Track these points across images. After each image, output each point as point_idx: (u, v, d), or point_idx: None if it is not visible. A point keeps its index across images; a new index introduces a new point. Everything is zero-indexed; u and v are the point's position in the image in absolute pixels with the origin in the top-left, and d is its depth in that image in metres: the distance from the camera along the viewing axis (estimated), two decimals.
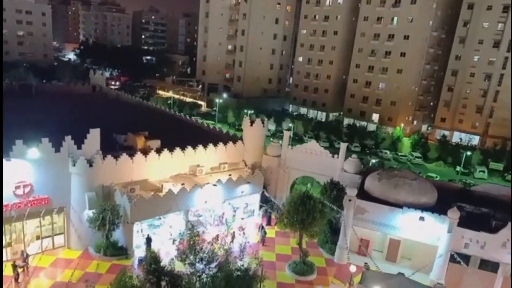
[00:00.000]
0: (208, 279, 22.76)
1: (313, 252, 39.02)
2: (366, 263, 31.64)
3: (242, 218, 44.29)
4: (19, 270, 30.38)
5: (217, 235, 29.22)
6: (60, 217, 35.34)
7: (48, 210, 33.95)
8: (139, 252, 34.89)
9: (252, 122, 47.22)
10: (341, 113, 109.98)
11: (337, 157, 44.95)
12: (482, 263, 35.65)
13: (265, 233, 40.40)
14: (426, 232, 35.61)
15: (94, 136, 34.28)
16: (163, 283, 22.26)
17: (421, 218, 35.06)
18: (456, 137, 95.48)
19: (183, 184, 38.60)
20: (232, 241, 36.12)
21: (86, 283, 24.09)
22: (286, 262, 37.28)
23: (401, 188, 37.39)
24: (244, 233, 36.26)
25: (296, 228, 35.08)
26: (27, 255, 31.79)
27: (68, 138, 33.18)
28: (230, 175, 42.60)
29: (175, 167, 41.67)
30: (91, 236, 34.13)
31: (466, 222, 34.61)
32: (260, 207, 46.37)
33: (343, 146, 44.55)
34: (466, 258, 34.67)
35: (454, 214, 34.12)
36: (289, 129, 53.61)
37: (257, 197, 45.83)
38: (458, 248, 34.62)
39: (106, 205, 33.77)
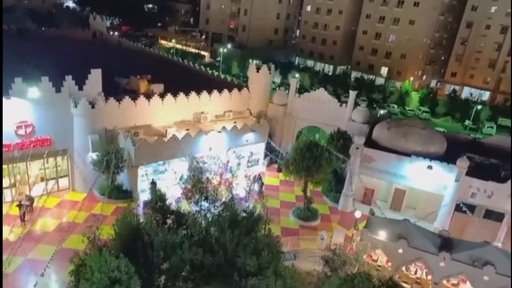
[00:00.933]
0: (214, 217, 22.51)
1: (318, 200, 38.98)
2: (371, 209, 31.47)
3: (247, 167, 43.94)
4: (25, 209, 30.47)
5: (222, 178, 28.87)
6: (64, 160, 35.05)
7: (52, 152, 33.56)
8: (144, 196, 34.83)
9: (258, 69, 45.61)
10: (349, 66, 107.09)
11: (345, 106, 43.79)
12: (486, 213, 35.66)
13: (262, 183, 39.58)
14: (433, 181, 35.22)
15: (95, 76, 33.12)
16: (169, 221, 22.01)
17: (429, 167, 34.51)
18: (466, 92, 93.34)
19: (187, 129, 37.84)
20: (235, 188, 35.91)
21: (93, 222, 23.74)
22: (290, 209, 37.34)
23: (410, 137, 36.58)
24: (249, 180, 35.98)
25: (302, 175, 34.73)
26: (32, 198, 31.77)
27: (68, 78, 32.07)
28: (235, 122, 41.74)
29: (179, 113, 40.75)
30: (96, 179, 33.91)
31: (475, 172, 34.09)
32: (265, 156, 45.94)
33: (352, 94, 43.21)
34: (471, 209, 34.49)
35: (463, 163, 33.50)
36: (296, 77, 51.87)
37: (262, 147, 45.26)
38: (465, 197, 34.34)
39: (110, 148, 33.27)
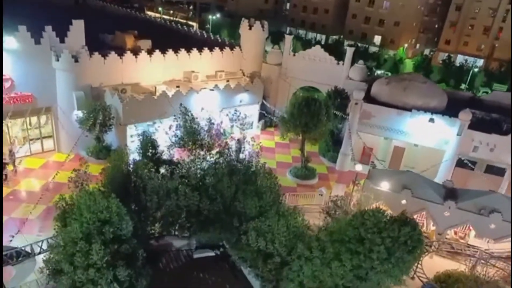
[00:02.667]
0: (210, 166, 21.07)
1: (315, 161, 37.72)
2: (372, 162, 30.34)
3: (241, 130, 42.30)
4: (8, 167, 28.72)
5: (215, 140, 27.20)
6: (48, 120, 33.07)
7: (34, 110, 31.55)
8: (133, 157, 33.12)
9: (250, 26, 43.47)
10: (341, 36, 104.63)
11: (342, 64, 42.14)
12: (487, 168, 34.93)
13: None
14: (434, 136, 34.08)
15: (77, 28, 30.85)
16: (162, 170, 20.52)
17: (431, 120, 33.32)
18: (460, 60, 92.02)
19: (178, 86, 35.95)
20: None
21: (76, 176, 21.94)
22: (286, 169, 36.12)
23: (410, 91, 35.22)
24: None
25: (299, 132, 33.33)
26: (14, 154, 29.90)
27: (48, 28, 29.77)
28: (228, 81, 39.93)
29: (168, 72, 38.73)
30: (82, 139, 32.07)
31: (476, 126, 33.09)
32: (259, 118, 44.43)
33: (349, 51, 41.54)
34: (472, 165, 33.62)
35: (465, 115, 32.37)
36: (290, 34, 49.76)
37: (256, 108, 43.65)
38: (466, 152, 33.36)
39: (96, 105, 31.34)
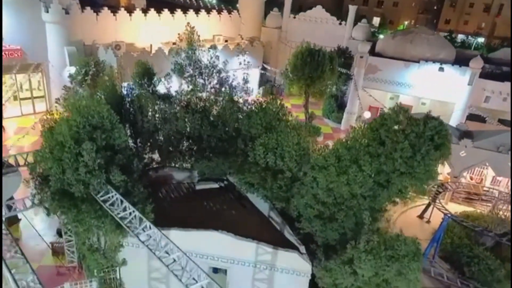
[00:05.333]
0: (211, 97, 19.56)
1: (319, 123, 36.34)
2: (381, 108, 28.89)
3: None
4: None
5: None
6: (40, 84, 31.58)
7: (24, 66, 29.96)
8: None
9: None
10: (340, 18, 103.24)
11: (345, 25, 40.72)
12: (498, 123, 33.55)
13: None
14: (444, 88, 32.62)
15: None
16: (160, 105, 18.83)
17: (441, 69, 31.89)
18: (460, 39, 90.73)
19: (174, 43, 34.37)
20: None
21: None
22: None
23: (417, 43, 33.77)
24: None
25: (303, 85, 31.85)
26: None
27: None
28: (226, 41, 38.45)
29: (163, 33, 37.12)
30: (76, 98, 30.44)
31: (487, 78, 31.77)
32: (260, 85, 42.99)
33: (351, 9, 40.07)
34: (482, 120, 32.08)
35: (476, 63, 31.00)
36: None
37: (256, 73, 42.13)
38: (478, 102, 31.96)
39: (90, 59, 29.77)
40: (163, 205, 15.94)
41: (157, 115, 17.73)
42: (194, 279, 9.73)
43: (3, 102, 29.74)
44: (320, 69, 30.68)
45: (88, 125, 13.15)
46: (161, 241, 10.76)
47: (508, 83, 30.85)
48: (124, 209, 11.64)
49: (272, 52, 43.77)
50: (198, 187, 18.17)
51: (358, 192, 13.84)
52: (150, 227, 11.07)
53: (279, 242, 14.59)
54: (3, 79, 29.79)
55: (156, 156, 18.61)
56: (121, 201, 11.80)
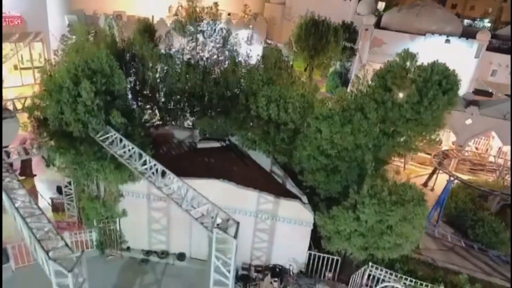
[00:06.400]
0: (214, 56, 19.25)
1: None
2: None
3: None
4: None
5: None
6: (39, 51, 31.17)
7: (24, 34, 29.54)
8: None
9: None
10: None
11: (350, 0, 40.07)
12: None
13: None
14: (450, 62, 31.74)
15: None
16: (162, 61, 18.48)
17: (447, 41, 31.33)
18: (467, 23, 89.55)
19: (175, 14, 33.91)
20: None
21: None
22: None
23: (423, 16, 33.14)
24: None
25: (307, 56, 31.44)
26: None
27: None
28: (229, 14, 37.91)
29: (164, 5, 36.77)
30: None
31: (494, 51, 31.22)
32: None
33: None
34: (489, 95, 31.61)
35: (483, 35, 30.44)
36: None
37: (259, 49, 41.57)
38: (485, 76, 31.48)
39: (91, 28, 29.33)
40: (163, 162, 15.68)
41: (158, 70, 17.41)
42: (193, 206, 9.51)
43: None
44: (324, 40, 30.28)
45: (88, 69, 12.86)
46: (159, 174, 10.51)
47: None
48: (123, 147, 11.39)
49: (276, 28, 43.25)
50: (199, 145, 17.89)
51: (362, 142, 13.55)
52: (149, 161, 10.83)
53: (281, 193, 14.36)
54: (5, 46, 29.47)
55: (157, 115, 18.38)
56: (120, 140, 11.56)
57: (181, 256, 15.32)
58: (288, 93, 14.98)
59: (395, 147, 13.75)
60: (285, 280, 14.31)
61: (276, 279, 14.09)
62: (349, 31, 37.65)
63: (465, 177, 24.25)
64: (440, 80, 12.70)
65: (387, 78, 13.26)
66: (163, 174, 10.52)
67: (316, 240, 14.45)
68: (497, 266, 17.37)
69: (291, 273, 14.60)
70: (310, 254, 14.70)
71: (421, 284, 13.83)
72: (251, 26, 38.64)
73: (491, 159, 24.94)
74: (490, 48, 31.66)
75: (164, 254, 15.41)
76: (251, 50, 32.55)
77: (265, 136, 15.38)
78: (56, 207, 17.54)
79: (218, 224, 9.07)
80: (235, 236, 8.93)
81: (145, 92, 17.60)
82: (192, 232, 14.65)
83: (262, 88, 15.78)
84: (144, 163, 10.89)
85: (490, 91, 30.88)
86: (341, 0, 40.41)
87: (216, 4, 19.58)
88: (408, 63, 13.27)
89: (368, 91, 13.58)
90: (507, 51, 32.72)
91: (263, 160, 16.40)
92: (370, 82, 13.91)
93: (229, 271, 9.38)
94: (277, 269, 14.69)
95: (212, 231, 9.05)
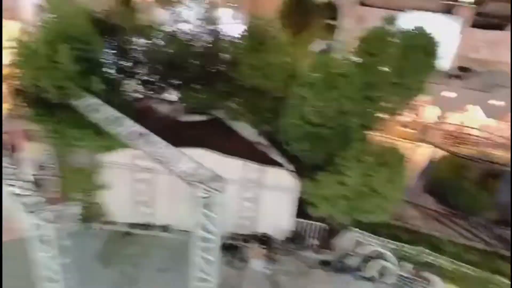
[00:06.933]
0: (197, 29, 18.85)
1: None
2: None
3: None
4: None
5: None
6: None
7: None
8: None
9: None
10: None
11: None
12: None
13: None
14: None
15: None
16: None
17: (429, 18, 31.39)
18: None
19: None
20: None
21: None
22: None
23: None
24: None
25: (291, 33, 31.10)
26: None
27: None
28: None
29: None
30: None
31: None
32: None
33: None
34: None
35: (467, 10, 30.57)
36: None
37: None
38: (468, 52, 31.66)
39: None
40: None
41: (139, 41, 17.00)
42: (177, 167, 9.38)
43: None
44: (308, 18, 29.97)
45: (65, 35, 12.42)
46: (143, 137, 10.32)
47: (499, 32, 30.56)
48: (105, 113, 11.11)
49: (260, 5, 42.60)
50: (183, 119, 17.64)
51: (346, 108, 13.53)
52: (132, 125, 10.61)
53: (266, 161, 14.32)
54: None
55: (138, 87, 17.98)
56: (101, 106, 11.28)
57: (166, 228, 15.24)
58: (274, 60, 14.81)
59: (379, 112, 13.80)
60: (272, 247, 14.39)
61: (264, 246, 14.16)
62: (331, 8, 37.43)
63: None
64: (423, 44, 12.73)
65: (371, 43, 13.23)
66: (147, 138, 10.33)
67: (302, 208, 14.53)
68: (478, 232, 17.81)
69: (277, 240, 14.69)
70: (296, 222, 14.80)
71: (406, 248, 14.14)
72: (235, 5, 38.07)
73: (475, 132, 25.36)
74: (475, 24, 31.83)
75: (149, 226, 15.29)
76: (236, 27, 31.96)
77: (250, 106, 15.27)
78: (39, 184, 17.18)
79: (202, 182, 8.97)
80: (220, 191, 8.86)
81: (125, 63, 17.15)
82: (177, 203, 14.52)
83: (246, 57, 15.58)
84: (127, 128, 10.66)
85: (471, 68, 31.21)
86: None
87: None
88: (391, 28, 13.25)
89: (353, 56, 13.53)
90: (491, 27, 33.00)
91: (249, 131, 16.29)
92: (354, 48, 13.86)
93: (214, 236, 9.34)
94: (264, 237, 14.76)
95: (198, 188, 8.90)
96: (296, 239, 14.79)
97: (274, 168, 13.98)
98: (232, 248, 14.63)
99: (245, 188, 14.22)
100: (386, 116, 14.14)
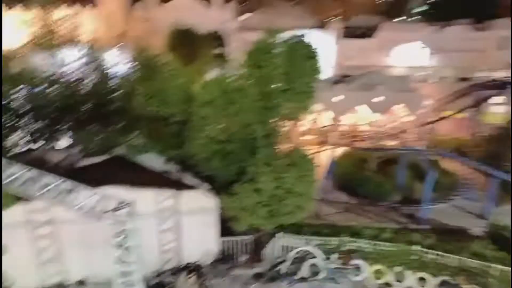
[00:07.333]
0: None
1: None
2: None
3: None
4: None
5: None
6: None
7: None
8: None
9: None
10: None
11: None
12: None
13: None
14: None
15: None
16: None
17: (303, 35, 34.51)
18: None
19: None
20: None
21: None
22: None
23: (280, 14, 36.05)
24: None
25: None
26: None
27: None
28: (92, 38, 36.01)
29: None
30: None
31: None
32: None
33: None
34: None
35: (337, 24, 34.35)
36: None
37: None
38: (345, 61, 35.34)
39: None
40: None
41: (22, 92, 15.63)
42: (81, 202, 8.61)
43: None
44: (196, 49, 30.74)
45: None
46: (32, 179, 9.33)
47: (371, 39, 34.77)
48: None
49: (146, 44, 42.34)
50: (81, 164, 16.40)
51: (247, 120, 13.93)
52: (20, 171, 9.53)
53: (180, 187, 13.94)
54: None
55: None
56: None
57: (82, 282, 13.74)
58: (167, 85, 14.74)
59: (279, 119, 14.47)
60: (202, 274, 13.85)
61: (192, 274, 13.55)
62: (218, 39, 38.95)
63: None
64: (303, 49, 13.85)
65: (256, 56, 13.97)
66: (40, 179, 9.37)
67: (226, 226, 14.34)
68: (387, 214, 19.40)
69: (206, 264, 14.21)
70: (223, 241, 14.53)
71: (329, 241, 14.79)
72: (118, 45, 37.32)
73: (366, 128, 28.12)
74: (346, 35, 35.81)
75: (62, 286, 13.64)
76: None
77: (152, 135, 14.87)
78: None
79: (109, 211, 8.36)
80: (130, 216, 8.34)
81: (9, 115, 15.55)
82: (90, 251, 13.28)
83: (140, 87, 15.28)
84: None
85: (351, 74, 34.90)
86: (205, 10, 41.55)
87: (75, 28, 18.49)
88: (273, 39, 14.17)
89: (243, 70, 14.10)
90: (360, 36, 37.42)
91: (156, 161, 15.77)
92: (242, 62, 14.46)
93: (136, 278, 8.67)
94: (192, 266, 14.16)
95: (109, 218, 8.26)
96: (225, 259, 14.48)
97: (190, 192, 13.64)
98: (161, 285, 13.76)
99: (161, 219, 13.58)
100: (287, 122, 14.87)
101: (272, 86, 13.74)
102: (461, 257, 14.04)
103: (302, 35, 14.56)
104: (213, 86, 14.29)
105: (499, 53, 35.02)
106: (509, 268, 13.50)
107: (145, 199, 13.20)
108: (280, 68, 13.49)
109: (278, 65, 13.53)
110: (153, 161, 15.65)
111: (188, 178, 14.74)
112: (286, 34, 14.71)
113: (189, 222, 13.81)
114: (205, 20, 40.43)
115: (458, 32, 35.51)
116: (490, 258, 13.97)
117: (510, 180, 17.63)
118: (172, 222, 13.67)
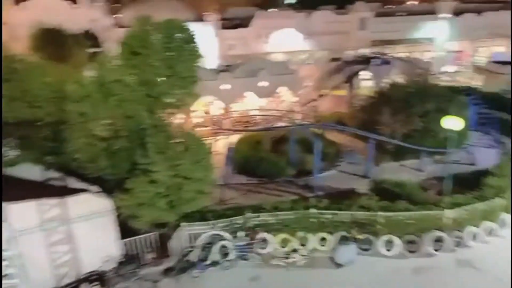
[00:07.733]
0: None
1: None
2: None
3: None
4: None
5: None
6: None
7: None
8: None
9: None
10: None
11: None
12: None
13: None
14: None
15: None
16: None
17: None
18: None
19: None
20: None
21: None
22: None
23: (159, 9, 35.07)
24: None
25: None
26: None
27: None
28: None
29: None
30: None
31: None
32: None
33: None
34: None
35: (212, 16, 34.66)
36: None
37: None
38: (226, 51, 35.99)
39: None
40: None
41: None
42: None
43: None
44: (66, 50, 28.18)
45: None
46: None
47: (244, 29, 35.83)
48: None
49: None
50: None
51: (130, 112, 13.21)
52: None
53: (66, 193, 12.65)
54: None
55: None
56: None
57: None
58: (32, 85, 13.19)
59: (164, 106, 14.03)
60: (105, 281, 12.83)
61: (95, 283, 12.48)
62: (92, 38, 36.31)
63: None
64: (181, 34, 13.61)
65: (131, 43, 13.30)
66: None
67: (126, 226, 13.49)
68: (285, 188, 20.38)
69: (109, 270, 13.20)
70: (124, 243, 13.65)
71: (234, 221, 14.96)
72: None
73: (256, 112, 29.04)
74: (225, 27, 36.39)
75: None
76: None
77: (23, 143, 13.20)
78: None
79: None
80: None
81: None
82: None
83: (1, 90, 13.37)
84: None
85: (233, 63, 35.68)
86: (71, 9, 38.33)
87: None
88: (147, 26, 13.60)
89: (120, 60, 13.32)
90: (237, 26, 38.38)
91: (32, 171, 14.05)
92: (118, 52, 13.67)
93: None
94: (94, 275, 13.02)
95: None
96: (129, 260, 13.63)
97: (77, 197, 12.46)
98: None
99: (49, 231, 12.18)
100: (178, 113, 14.51)
101: (153, 73, 13.24)
102: (352, 212, 15.43)
103: (178, 20, 14.20)
104: (87, 80, 13.26)
105: (361, 33, 39.42)
106: (392, 214, 15.33)
107: (27, 213, 11.69)
108: (159, 54, 13.07)
109: (156, 50, 13.08)
110: (30, 171, 13.93)
111: (74, 183, 13.45)
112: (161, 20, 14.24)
113: (82, 229, 12.62)
114: (72, 19, 37.37)
115: (324, 17, 38.94)
116: (375, 207, 15.63)
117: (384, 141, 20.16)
118: (62, 233, 12.34)
